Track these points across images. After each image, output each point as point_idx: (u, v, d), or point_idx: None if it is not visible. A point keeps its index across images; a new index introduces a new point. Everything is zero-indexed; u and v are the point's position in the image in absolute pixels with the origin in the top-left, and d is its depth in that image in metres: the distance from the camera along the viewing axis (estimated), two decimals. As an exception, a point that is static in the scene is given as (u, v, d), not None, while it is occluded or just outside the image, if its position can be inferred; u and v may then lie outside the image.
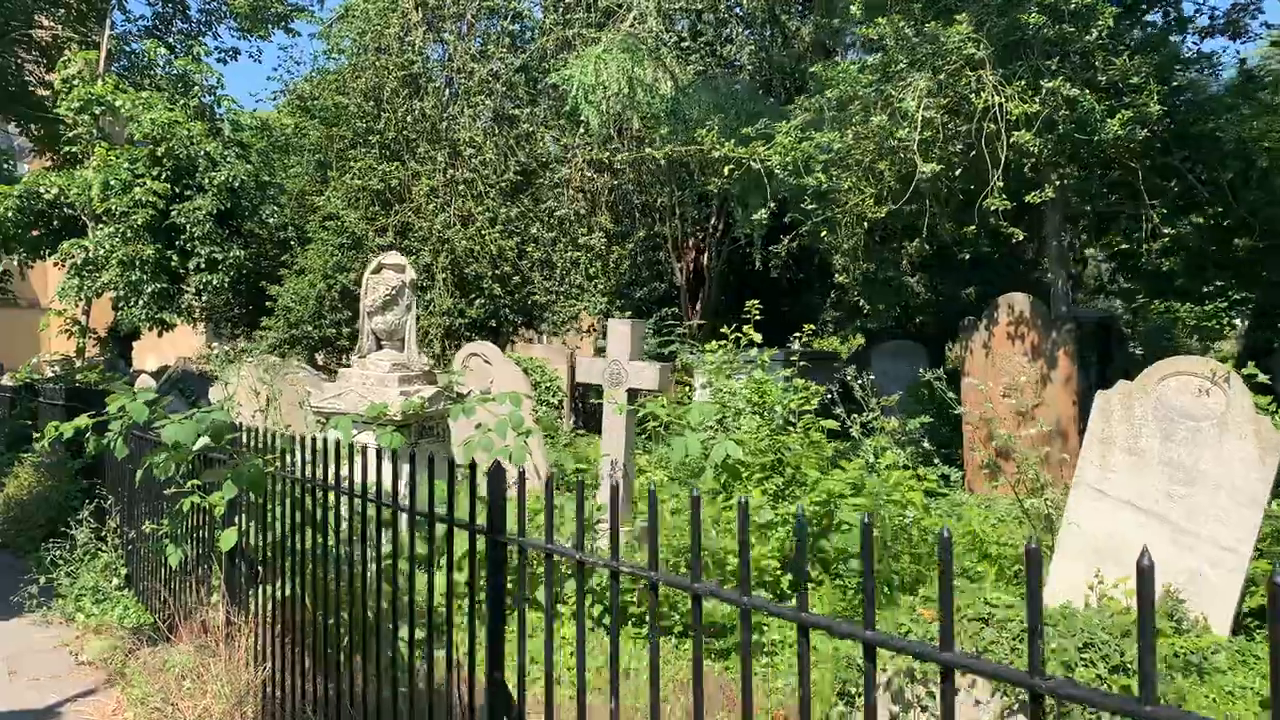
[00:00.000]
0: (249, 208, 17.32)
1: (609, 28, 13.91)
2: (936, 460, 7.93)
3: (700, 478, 6.60)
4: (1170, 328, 16.05)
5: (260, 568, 4.48)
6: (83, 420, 4.71)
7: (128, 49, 21.42)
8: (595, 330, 18.17)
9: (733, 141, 7.77)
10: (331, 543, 4.03)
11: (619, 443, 6.18)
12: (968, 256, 9.91)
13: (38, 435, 11.98)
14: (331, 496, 4.14)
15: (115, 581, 6.79)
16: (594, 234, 15.41)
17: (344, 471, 3.98)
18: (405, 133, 15.64)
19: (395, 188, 15.63)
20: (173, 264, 16.23)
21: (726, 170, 7.84)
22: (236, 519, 4.55)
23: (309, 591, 4.08)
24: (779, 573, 5.09)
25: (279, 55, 29.62)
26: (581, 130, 15.69)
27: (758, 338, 5.95)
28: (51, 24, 19.90)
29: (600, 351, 17.90)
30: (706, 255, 15.05)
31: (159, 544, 5.63)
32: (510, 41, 15.47)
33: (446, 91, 15.89)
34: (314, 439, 4.25)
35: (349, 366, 6.60)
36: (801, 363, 7.74)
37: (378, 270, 6.40)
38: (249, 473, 3.78)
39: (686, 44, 14.58)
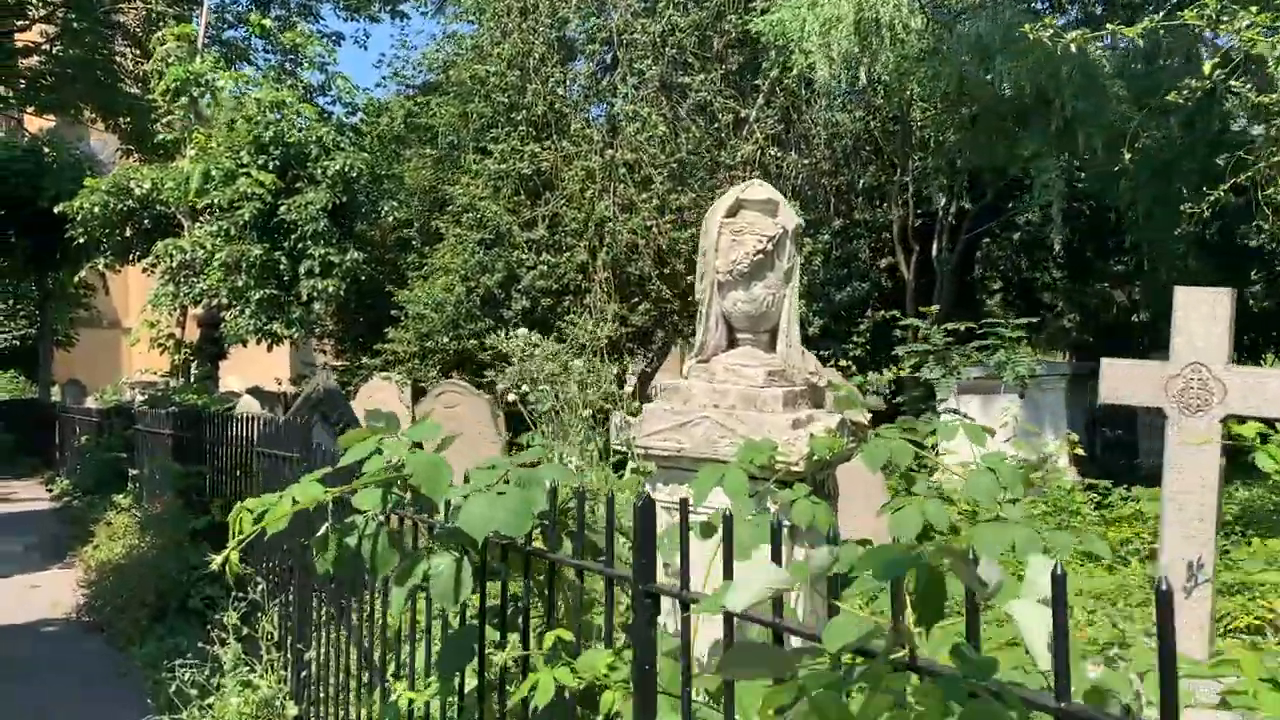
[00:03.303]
0: (365, 203, 14.94)
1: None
2: None
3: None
4: None
5: None
6: (313, 492, 2.06)
7: (222, 38, 19.39)
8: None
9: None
10: None
11: (1205, 514, 3.38)
12: None
13: (135, 471, 9.61)
14: None
15: (281, 730, 4.18)
16: (781, 224, 12.66)
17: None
18: (556, 106, 13.11)
19: (544, 172, 13.09)
20: (280, 267, 13.87)
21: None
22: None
23: None
24: None
25: (391, 36, 27.20)
26: (760, 101, 13.05)
27: None
28: (143, 2, 17.89)
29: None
30: (936, 245, 12.17)
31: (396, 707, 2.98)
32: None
33: (603, 57, 13.36)
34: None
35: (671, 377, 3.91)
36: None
37: (734, 212, 3.72)
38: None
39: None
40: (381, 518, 2.19)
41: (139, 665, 5.88)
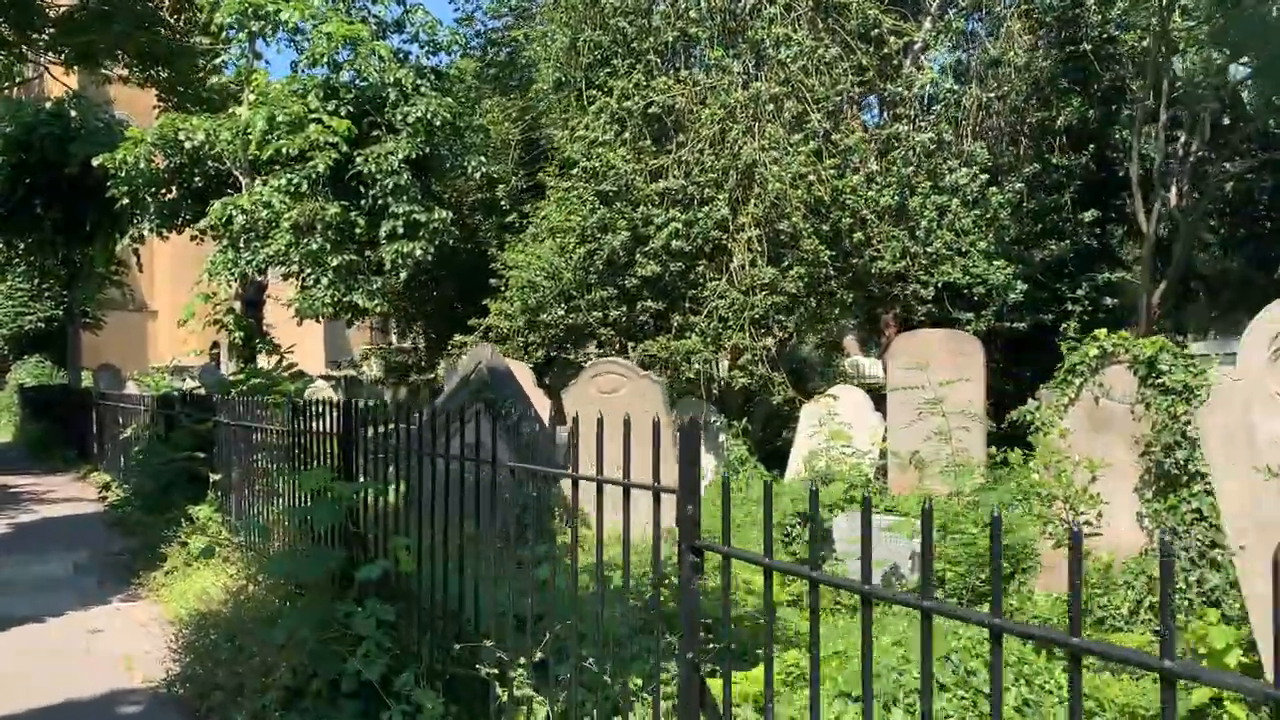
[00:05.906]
0: (448, 157, 12.86)
1: None
2: None
3: None
4: None
5: None
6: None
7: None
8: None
9: None
10: None
11: None
12: None
13: (216, 476, 7.48)
14: None
15: None
16: (962, 170, 10.53)
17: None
18: (689, 31, 10.97)
19: (673, 112, 10.97)
20: (358, 229, 11.81)
21: None
22: None
23: None
24: None
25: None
26: (928, 26, 10.89)
27: None
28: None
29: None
30: (1175, 193, 9.96)
31: None
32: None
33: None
34: None
35: None
36: None
37: None
38: None
39: None
40: None
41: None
